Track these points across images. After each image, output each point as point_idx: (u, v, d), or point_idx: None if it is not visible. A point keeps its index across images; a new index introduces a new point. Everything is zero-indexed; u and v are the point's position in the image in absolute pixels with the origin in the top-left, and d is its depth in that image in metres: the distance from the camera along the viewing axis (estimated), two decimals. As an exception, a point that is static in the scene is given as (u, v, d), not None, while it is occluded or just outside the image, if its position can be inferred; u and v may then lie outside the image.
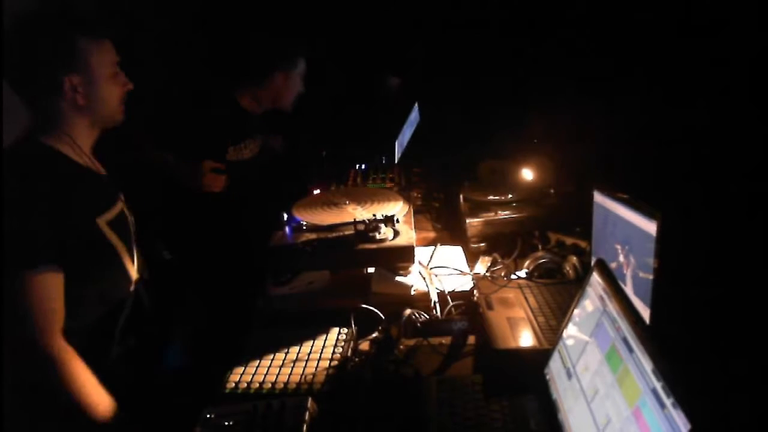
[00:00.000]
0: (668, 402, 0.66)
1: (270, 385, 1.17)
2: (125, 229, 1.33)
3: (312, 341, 1.30)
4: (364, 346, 1.28)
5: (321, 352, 1.25)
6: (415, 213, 1.75)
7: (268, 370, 1.21)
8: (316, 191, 1.92)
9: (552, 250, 1.60)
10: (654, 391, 0.69)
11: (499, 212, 1.76)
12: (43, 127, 1.24)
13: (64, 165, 1.24)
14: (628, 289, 1.18)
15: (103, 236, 1.24)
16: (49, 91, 1.21)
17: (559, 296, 1.39)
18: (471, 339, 1.29)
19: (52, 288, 1.12)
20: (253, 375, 1.20)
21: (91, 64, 1.24)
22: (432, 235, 1.91)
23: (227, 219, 2.07)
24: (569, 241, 1.62)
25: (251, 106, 2.24)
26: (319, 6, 2.81)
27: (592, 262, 1.01)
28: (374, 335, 1.30)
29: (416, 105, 2.69)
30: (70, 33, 1.21)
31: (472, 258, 1.65)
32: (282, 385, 1.16)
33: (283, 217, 1.51)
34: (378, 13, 2.88)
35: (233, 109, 2.18)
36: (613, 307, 0.87)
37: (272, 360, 1.25)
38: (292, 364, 1.23)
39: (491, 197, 1.84)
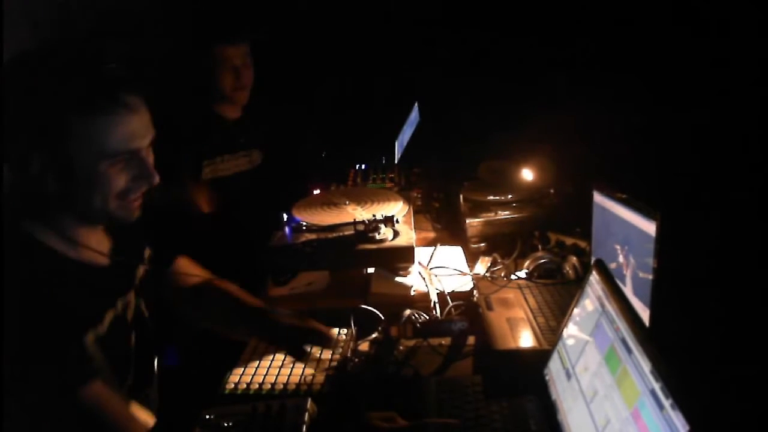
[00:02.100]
0: (667, 403, 0.66)
1: (269, 386, 1.17)
2: (119, 343, 1.03)
3: (312, 341, 1.30)
4: (364, 346, 1.28)
5: (321, 353, 1.25)
6: (415, 213, 1.75)
7: (267, 371, 1.21)
8: (316, 191, 1.92)
9: (552, 251, 1.60)
10: (653, 392, 0.69)
11: (499, 212, 1.76)
12: (23, 208, 0.94)
13: (48, 262, 0.93)
14: (628, 290, 1.18)
15: (85, 357, 0.94)
16: (20, 167, 0.89)
17: (558, 296, 1.39)
18: (471, 339, 1.29)
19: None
20: (253, 375, 1.20)
21: (74, 146, 0.89)
22: (432, 235, 1.91)
23: (227, 220, 2.07)
24: (569, 241, 1.61)
25: (222, 110, 2.08)
26: (320, 7, 2.81)
27: (592, 263, 1.00)
28: (374, 336, 1.30)
29: (416, 105, 2.69)
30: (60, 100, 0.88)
31: (472, 258, 1.65)
32: (282, 386, 1.16)
33: (283, 217, 1.52)
34: (378, 13, 2.88)
35: (201, 119, 2.01)
36: (611, 308, 0.87)
37: (272, 360, 1.25)
38: (291, 365, 1.23)
39: (491, 197, 1.84)
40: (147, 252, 1.21)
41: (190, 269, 1.35)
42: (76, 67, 0.90)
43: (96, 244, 1.02)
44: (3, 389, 0.77)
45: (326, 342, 1.23)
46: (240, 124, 2.15)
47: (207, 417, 1.01)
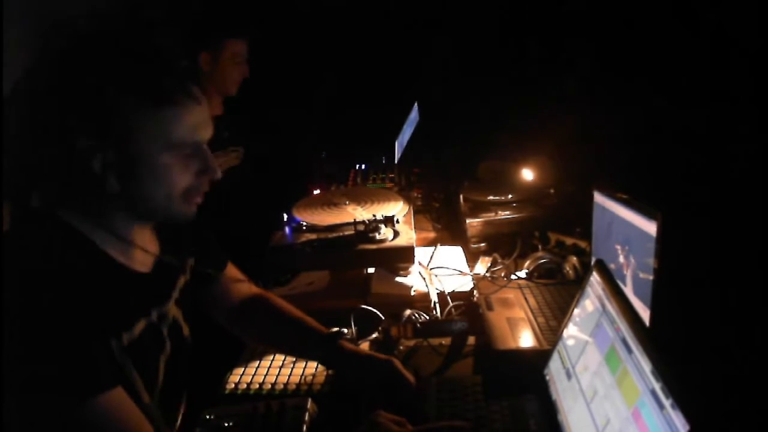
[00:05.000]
0: (667, 403, 0.66)
1: (270, 386, 1.17)
2: (150, 355, 0.95)
3: (312, 342, 1.30)
4: (364, 346, 1.28)
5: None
6: (415, 213, 1.75)
7: (268, 371, 1.21)
8: (316, 191, 1.92)
9: (552, 251, 1.60)
10: (653, 392, 0.69)
11: (499, 212, 1.76)
12: (66, 201, 0.87)
13: (93, 264, 0.87)
14: (628, 290, 1.18)
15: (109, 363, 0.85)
16: (81, 167, 0.82)
17: (559, 296, 1.39)
18: (471, 340, 1.29)
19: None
20: (253, 375, 1.20)
21: (139, 138, 0.83)
22: (432, 235, 1.91)
23: (227, 219, 2.07)
24: (569, 241, 1.62)
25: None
26: (320, 6, 2.81)
27: (592, 263, 1.01)
28: (374, 336, 1.30)
29: (416, 105, 2.69)
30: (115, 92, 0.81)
31: (472, 258, 1.65)
32: (282, 386, 1.17)
33: (283, 217, 1.52)
34: (377, 13, 2.88)
35: None
36: (612, 308, 0.87)
37: (272, 360, 1.25)
38: (292, 365, 1.23)
39: (491, 197, 1.84)
40: (190, 262, 1.11)
41: (238, 275, 1.24)
42: (144, 55, 0.85)
43: (144, 247, 0.97)
44: (11, 387, 0.75)
45: (406, 389, 1.04)
46: (221, 119, 2.16)
47: (207, 417, 1.01)
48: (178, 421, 1.06)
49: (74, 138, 0.81)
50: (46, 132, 0.82)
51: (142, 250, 0.95)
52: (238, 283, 1.24)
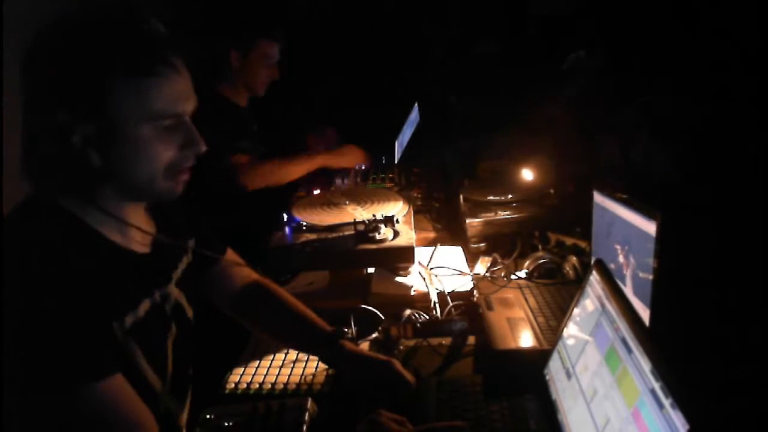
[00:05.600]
0: (667, 402, 0.66)
1: (270, 386, 1.17)
2: (156, 337, 0.94)
3: (312, 342, 1.30)
4: (364, 346, 1.28)
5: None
6: (415, 213, 1.75)
7: (268, 371, 1.21)
8: (316, 191, 1.92)
9: (552, 251, 1.60)
10: (653, 392, 0.69)
11: (499, 212, 1.76)
12: (63, 185, 0.87)
13: (88, 244, 0.86)
14: (628, 290, 1.18)
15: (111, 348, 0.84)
16: (60, 141, 0.81)
17: (559, 296, 1.39)
18: (471, 339, 1.29)
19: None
20: (253, 375, 1.20)
21: (118, 110, 0.82)
22: (432, 235, 1.91)
23: (227, 219, 2.07)
24: (569, 241, 1.61)
25: (234, 96, 2.12)
26: (320, 6, 2.82)
27: (592, 263, 1.01)
28: (374, 336, 1.30)
29: (416, 105, 2.69)
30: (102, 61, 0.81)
31: (472, 258, 1.65)
32: (282, 386, 1.17)
33: (283, 217, 1.51)
34: (377, 13, 2.88)
35: (228, 107, 2.06)
36: (611, 308, 0.87)
37: (272, 360, 1.25)
38: (292, 365, 1.23)
39: (491, 197, 1.84)
40: (191, 242, 1.10)
41: (238, 260, 1.24)
42: (120, 26, 0.84)
43: (140, 226, 0.95)
44: (9, 373, 0.75)
45: (404, 389, 1.05)
46: (248, 111, 2.21)
47: (207, 417, 1.01)
48: (185, 411, 1.06)
49: (52, 112, 0.80)
50: (27, 108, 0.82)
51: (139, 230, 0.94)
52: (239, 267, 1.23)
